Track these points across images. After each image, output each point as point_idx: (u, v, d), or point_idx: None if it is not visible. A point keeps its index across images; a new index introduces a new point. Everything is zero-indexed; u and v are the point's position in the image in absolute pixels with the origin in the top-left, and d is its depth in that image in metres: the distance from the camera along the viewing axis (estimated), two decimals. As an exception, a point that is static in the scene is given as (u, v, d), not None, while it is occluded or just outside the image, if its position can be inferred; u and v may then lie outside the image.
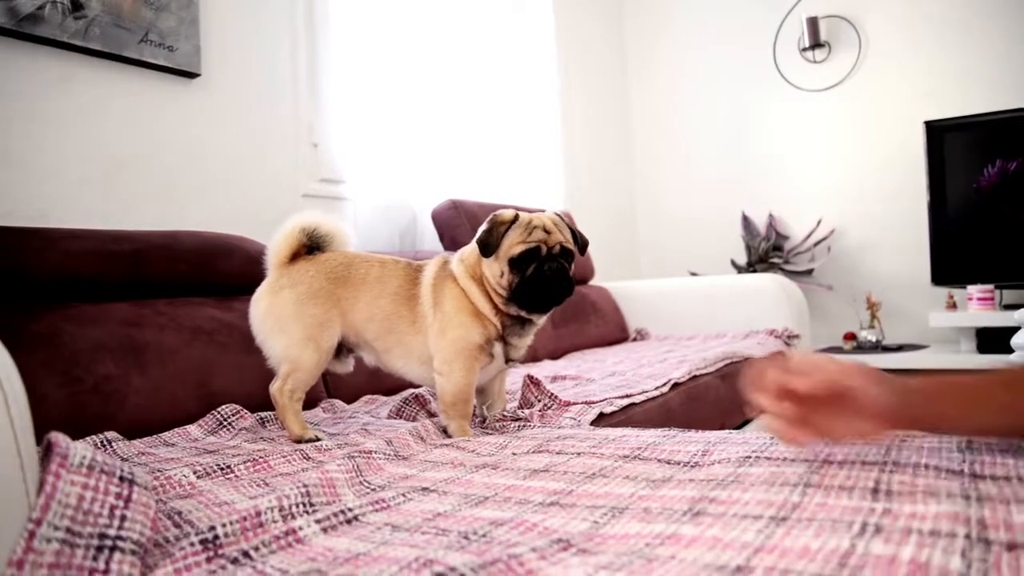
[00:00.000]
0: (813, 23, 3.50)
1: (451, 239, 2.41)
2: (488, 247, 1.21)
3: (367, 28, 2.35)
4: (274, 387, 1.26)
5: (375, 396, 1.67)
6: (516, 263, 1.19)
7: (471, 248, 1.28)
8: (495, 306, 1.25)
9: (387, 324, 1.30)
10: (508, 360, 1.30)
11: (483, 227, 1.23)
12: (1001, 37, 3.16)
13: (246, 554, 0.62)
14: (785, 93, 3.66)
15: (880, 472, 0.70)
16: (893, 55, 3.43)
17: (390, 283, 1.32)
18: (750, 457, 0.81)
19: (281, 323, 1.30)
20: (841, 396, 0.72)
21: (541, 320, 1.31)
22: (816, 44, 3.52)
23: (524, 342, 1.30)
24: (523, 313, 1.25)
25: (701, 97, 3.91)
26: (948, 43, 3.29)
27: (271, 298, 1.33)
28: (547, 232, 1.22)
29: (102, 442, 1.17)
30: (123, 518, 0.63)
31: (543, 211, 1.30)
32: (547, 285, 1.21)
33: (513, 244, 1.20)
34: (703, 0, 3.88)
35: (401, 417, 1.44)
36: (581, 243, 1.31)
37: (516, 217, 1.23)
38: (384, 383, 1.65)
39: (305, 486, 0.76)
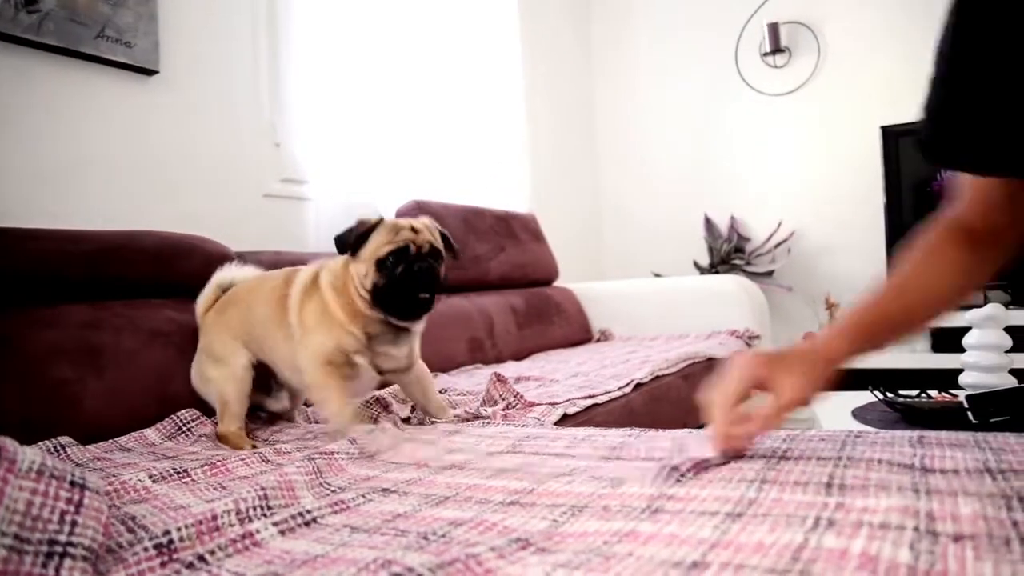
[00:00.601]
0: (774, 29, 3.56)
1: (415, 240, 2.40)
2: (345, 245, 1.19)
3: (330, 26, 2.33)
4: (220, 431, 1.28)
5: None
6: (383, 264, 1.16)
7: (342, 257, 1.24)
8: (356, 314, 1.19)
9: (265, 333, 1.31)
10: (380, 372, 1.25)
11: (349, 230, 1.21)
12: (954, 44, 3.24)
13: (201, 558, 0.61)
14: (747, 97, 3.72)
15: (835, 467, 0.72)
16: (851, 61, 3.50)
17: (262, 293, 1.35)
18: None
19: (202, 372, 1.38)
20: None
21: (416, 327, 1.26)
22: (777, 49, 3.58)
23: (399, 352, 1.24)
24: (390, 318, 1.20)
25: (665, 100, 3.95)
26: (904, 50, 3.36)
27: (195, 358, 1.43)
28: (415, 232, 1.19)
29: (55, 447, 1.14)
30: (74, 524, 0.61)
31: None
32: (415, 285, 1.17)
33: (380, 245, 1.17)
34: (668, 4, 3.92)
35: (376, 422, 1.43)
36: (453, 248, 1.29)
37: (381, 219, 1.21)
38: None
39: (263, 489, 0.75)
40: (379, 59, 2.50)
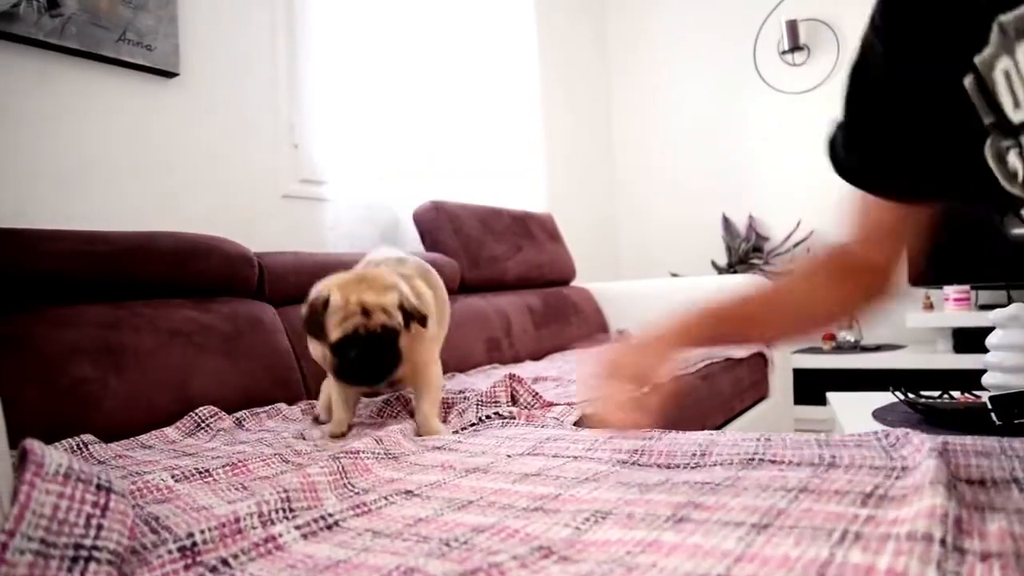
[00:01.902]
0: (792, 26, 3.53)
1: (432, 240, 2.41)
2: (316, 329, 1.23)
3: (348, 28, 2.33)
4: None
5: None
6: (337, 348, 1.21)
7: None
8: None
9: None
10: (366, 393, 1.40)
11: (304, 311, 1.26)
12: (977, 41, 3.20)
13: (225, 562, 0.62)
14: (765, 95, 3.69)
15: (885, 478, 0.70)
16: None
17: None
18: (752, 460, 0.81)
19: None
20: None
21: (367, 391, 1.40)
22: (795, 47, 3.55)
23: (375, 388, 1.37)
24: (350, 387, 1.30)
25: (682, 99, 3.93)
26: (925, 47, 3.32)
27: None
28: (366, 314, 1.20)
29: (78, 445, 1.16)
30: (99, 527, 0.62)
31: (390, 258, 1.40)
32: (370, 368, 1.23)
33: (332, 328, 1.20)
34: (685, 2, 3.90)
35: (382, 417, 1.43)
36: (411, 312, 1.26)
37: (328, 300, 1.21)
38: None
39: (285, 491, 0.76)
40: (397, 60, 2.51)
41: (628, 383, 0.80)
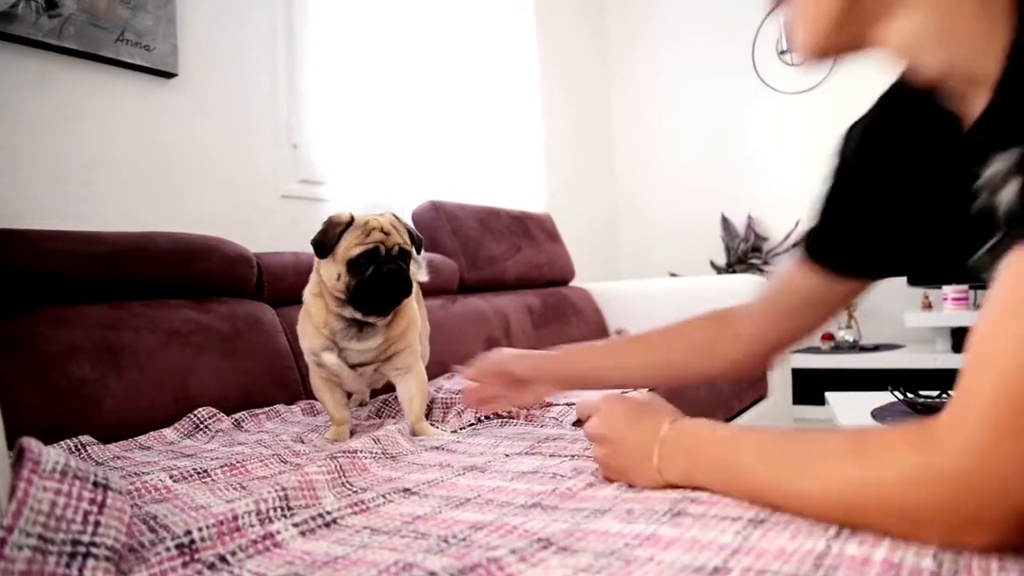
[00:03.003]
0: (791, 26, 3.53)
1: (431, 240, 2.41)
2: (323, 248, 1.21)
3: (347, 28, 2.34)
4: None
5: (352, 396, 1.66)
6: (354, 265, 1.19)
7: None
8: (327, 312, 1.25)
9: None
10: (352, 366, 1.27)
11: (319, 232, 1.24)
12: (975, 41, 3.21)
13: (223, 559, 0.62)
14: (764, 95, 3.69)
15: None
16: (870, 58, 3.46)
17: None
18: None
19: None
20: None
21: (381, 322, 1.27)
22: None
23: (366, 345, 1.26)
24: (359, 315, 1.23)
25: (681, 99, 3.93)
26: (923, 47, 3.33)
27: None
28: (385, 233, 1.22)
29: (76, 446, 1.16)
30: (97, 524, 0.62)
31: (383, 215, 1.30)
32: (386, 286, 1.21)
33: (351, 246, 1.19)
34: (684, 2, 3.90)
35: (380, 417, 1.43)
36: (417, 242, 1.31)
37: (352, 219, 1.22)
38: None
39: (283, 489, 0.76)
40: (396, 60, 2.51)
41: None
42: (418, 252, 1.32)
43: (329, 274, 1.21)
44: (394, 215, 1.28)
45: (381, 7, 2.47)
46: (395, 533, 0.67)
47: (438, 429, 1.29)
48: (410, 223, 1.34)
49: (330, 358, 1.25)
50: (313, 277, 1.29)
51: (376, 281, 1.19)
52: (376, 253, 1.19)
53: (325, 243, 1.21)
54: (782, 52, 3.61)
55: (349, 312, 1.23)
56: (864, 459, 0.51)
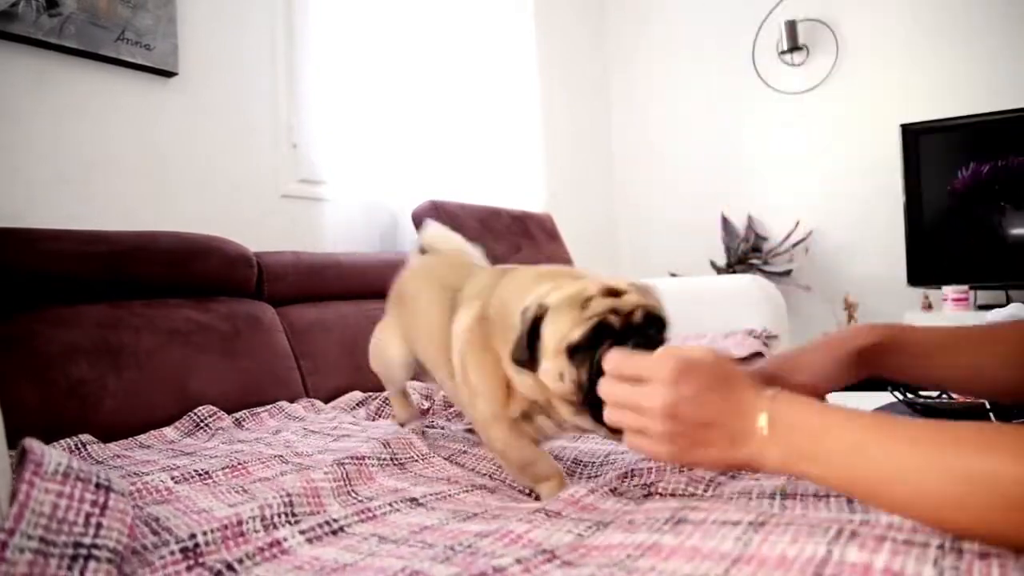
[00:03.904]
0: (791, 26, 3.53)
1: (431, 240, 2.40)
2: (530, 351, 0.80)
3: (347, 27, 2.33)
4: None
5: (354, 394, 1.66)
6: (576, 352, 0.76)
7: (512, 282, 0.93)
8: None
9: (426, 352, 1.06)
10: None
11: (515, 336, 0.81)
12: (975, 42, 3.21)
13: (230, 566, 0.62)
14: (764, 95, 3.69)
15: None
16: (870, 58, 3.46)
17: (425, 299, 1.06)
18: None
19: (372, 345, 1.23)
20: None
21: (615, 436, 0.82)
22: (794, 47, 3.55)
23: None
24: (590, 426, 0.81)
25: (681, 98, 3.93)
26: (924, 47, 3.33)
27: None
28: (615, 295, 0.79)
29: (77, 445, 1.16)
30: (99, 526, 0.62)
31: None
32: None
33: (566, 330, 0.76)
34: (683, 4, 3.90)
35: (380, 417, 1.43)
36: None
37: (548, 306, 0.80)
38: (368, 382, 1.64)
39: (288, 495, 0.76)
40: (396, 60, 2.51)
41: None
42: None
43: (548, 379, 0.79)
44: (635, 282, 0.84)
45: (381, 7, 2.46)
46: (402, 542, 0.67)
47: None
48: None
49: (544, 423, 0.88)
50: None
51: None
52: (605, 328, 0.76)
53: (531, 342, 0.80)
54: (782, 52, 3.61)
55: (582, 422, 0.81)
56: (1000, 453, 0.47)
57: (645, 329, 0.78)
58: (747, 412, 0.61)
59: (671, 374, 0.63)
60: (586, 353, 0.75)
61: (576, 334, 0.76)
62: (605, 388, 0.69)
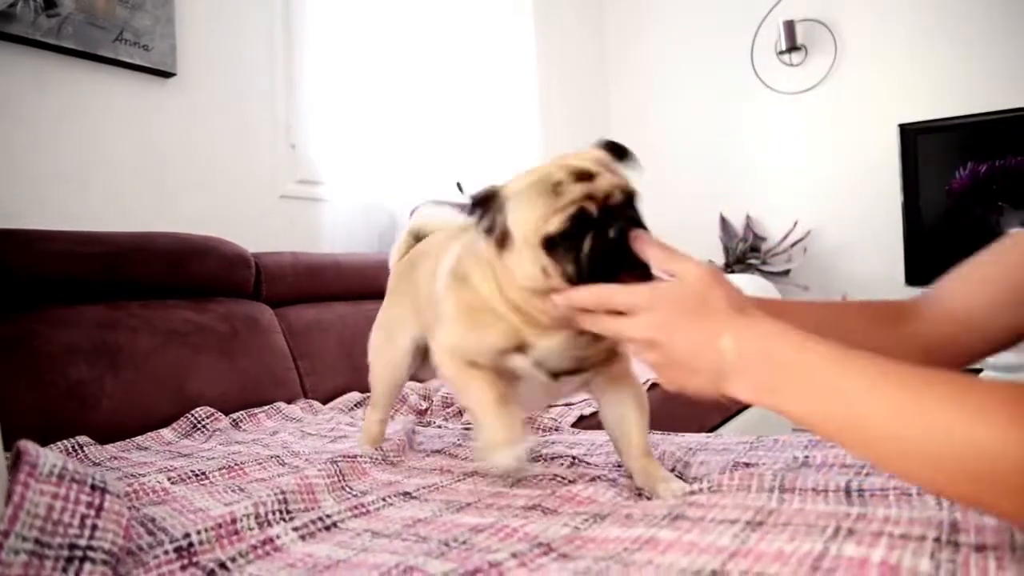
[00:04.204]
0: (790, 26, 3.53)
1: (430, 240, 2.40)
2: (491, 238, 0.77)
3: (346, 28, 2.33)
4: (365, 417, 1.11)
5: (352, 395, 1.66)
6: (554, 245, 0.72)
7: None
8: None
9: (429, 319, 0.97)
10: (556, 375, 0.81)
11: (471, 205, 0.80)
12: (973, 42, 3.21)
13: (223, 565, 0.61)
14: (762, 95, 3.69)
15: (855, 474, 0.71)
16: (868, 58, 3.47)
17: (425, 270, 0.99)
18: (729, 462, 0.81)
19: (372, 339, 1.13)
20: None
21: None
22: (793, 47, 3.55)
23: (596, 346, 0.81)
24: None
25: (680, 98, 3.93)
26: (922, 47, 3.33)
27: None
28: (587, 177, 0.74)
29: (74, 447, 1.15)
30: (94, 527, 0.62)
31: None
32: (617, 262, 0.72)
33: (539, 219, 0.73)
34: (681, 3, 3.90)
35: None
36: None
37: (500, 188, 0.79)
38: (366, 382, 1.63)
39: (282, 492, 0.76)
40: (394, 60, 2.51)
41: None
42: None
43: (517, 269, 0.75)
44: (594, 150, 0.82)
45: (379, 7, 2.46)
46: (396, 536, 0.67)
47: (674, 478, 0.78)
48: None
49: (522, 363, 0.80)
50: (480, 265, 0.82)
51: (602, 260, 0.72)
52: (584, 217, 0.72)
53: (489, 230, 0.77)
54: (780, 52, 3.61)
55: (564, 316, 0.75)
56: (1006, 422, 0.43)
57: (624, 210, 0.74)
58: (711, 338, 0.59)
59: (645, 301, 0.63)
60: (568, 244, 0.72)
61: (554, 224, 0.72)
62: (590, 323, 0.68)
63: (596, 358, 0.82)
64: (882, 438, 0.49)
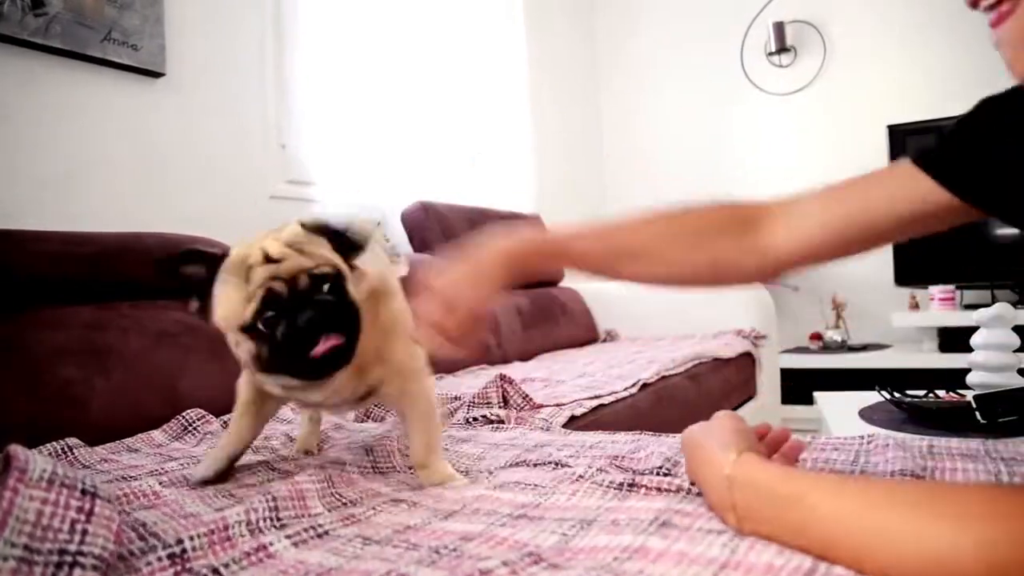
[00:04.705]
0: (779, 28, 3.55)
1: (420, 241, 2.40)
2: (203, 312, 0.81)
3: (336, 27, 2.33)
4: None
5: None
6: (251, 331, 0.78)
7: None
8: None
9: None
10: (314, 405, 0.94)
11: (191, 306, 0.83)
12: (962, 43, 3.23)
13: (216, 571, 0.61)
14: (752, 96, 3.71)
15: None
16: (857, 60, 3.49)
17: None
18: None
19: None
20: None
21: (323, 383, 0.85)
22: (782, 49, 3.57)
23: (327, 391, 0.87)
24: (297, 383, 0.84)
25: (670, 100, 3.94)
26: (911, 49, 3.35)
27: None
28: (273, 262, 0.78)
29: (63, 449, 1.15)
30: (84, 533, 0.61)
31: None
32: (307, 341, 0.77)
33: (235, 305, 0.77)
34: (672, 5, 3.91)
35: (370, 419, 1.43)
36: (350, 244, 0.85)
37: (216, 257, 0.80)
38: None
39: (274, 498, 0.75)
40: (385, 61, 2.50)
41: (443, 307, 0.78)
42: (352, 254, 0.85)
43: (232, 344, 0.82)
44: (293, 227, 0.83)
45: (370, 7, 2.46)
46: (387, 543, 0.67)
47: (454, 472, 0.92)
48: (329, 218, 0.87)
49: (276, 391, 0.90)
50: None
51: (292, 342, 0.77)
52: (275, 301, 0.77)
53: (198, 297, 0.81)
54: (770, 54, 3.63)
55: (285, 382, 0.84)
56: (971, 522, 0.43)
57: (312, 294, 0.78)
58: (717, 485, 0.62)
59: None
60: (261, 329, 0.77)
61: (248, 314, 0.77)
62: None
63: (358, 394, 0.91)
64: (856, 548, 0.49)
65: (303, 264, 0.78)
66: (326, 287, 0.79)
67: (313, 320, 0.77)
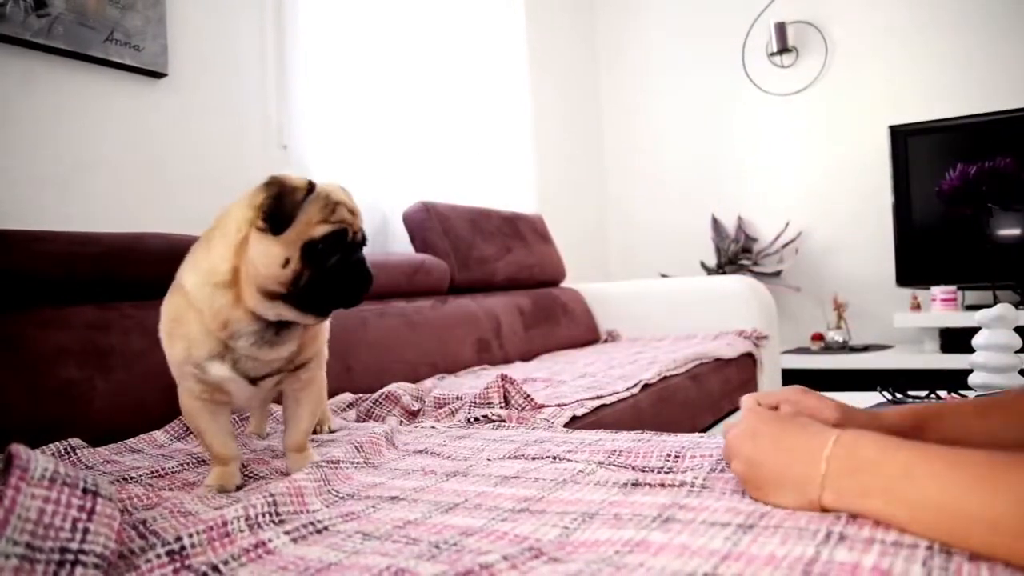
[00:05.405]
0: (781, 28, 3.55)
1: (422, 241, 2.40)
2: (279, 220, 0.86)
3: (337, 28, 2.33)
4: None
5: (345, 396, 1.66)
6: (312, 250, 0.87)
7: (219, 238, 0.96)
8: (239, 310, 0.91)
9: None
10: (252, 379, 0.95)
11: (264, 192, 0.89)
12: (963, 44, 3.23)
13: (215, 568, 0.61)
14: (754, 97, 3.71)
15: None
16: (858, 60, 3.48)
17: None
18: (716, 467, 0.81)
19: None
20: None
21: (319, 322, 0.98)
22: (784, 49, 3.57)
23: (277, 353, 0.94)
24: (292, 315, 0.91)
25: (671, 99, 3.94)
26: (912, 49, 3.35)
27: None
28: (352, 213, 0.91)
29: (66, 449, 1.15)
30: (86, 531, 0.62)
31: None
32: (355, 283, 0.92)
33: (310, 224, 0.87)
34: (673, 5, 3.91)
35: (371, 419, 1.43)
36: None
37: (311, 186, 0.90)
38: (358, 383, 1.64)
39: (272, 495, 0.75)
40: (386, 61, 2.51)
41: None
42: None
43: (268, 258, 0.87)
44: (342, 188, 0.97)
45: (372, 7, 2.46)
46: (386, 538, 0.67)
47: (312, 453, 1.02)
48: None
49: (220, 370, 0.93)
50: (214, 259, 0.94)
51: (343, 275, 0.89)
52: (343, 237, 0.89)
53: (281, 214, 0.87)
54: (772, 54, 3.63)
55: (279, 311, 0.90)
56: None
57: (361, 247, 0.93)
58: (806, 457, 0.62)
59: (746, 414, 0.73)
60: (316, 252, 0.87)
61: (319, 231, 0.87)
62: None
63: (292, 364, 0.98)
64: (964, 521, 0.50)
65: (363, 226, 0.94)
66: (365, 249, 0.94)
67: (360, 264, 0.92)
